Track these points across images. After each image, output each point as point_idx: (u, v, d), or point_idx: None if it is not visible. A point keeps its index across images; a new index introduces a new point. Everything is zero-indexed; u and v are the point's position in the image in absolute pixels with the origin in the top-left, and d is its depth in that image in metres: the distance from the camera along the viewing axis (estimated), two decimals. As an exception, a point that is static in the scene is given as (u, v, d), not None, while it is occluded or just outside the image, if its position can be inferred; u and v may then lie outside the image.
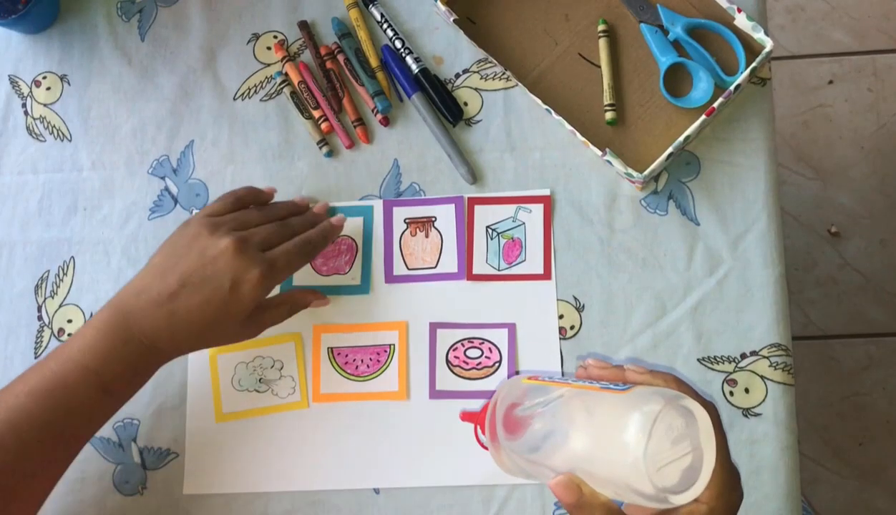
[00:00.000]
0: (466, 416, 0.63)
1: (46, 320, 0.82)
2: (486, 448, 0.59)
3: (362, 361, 0.78)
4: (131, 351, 0.66)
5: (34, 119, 0.87)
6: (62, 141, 0.86)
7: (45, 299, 0.82)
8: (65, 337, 0.81)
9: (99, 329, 0.66)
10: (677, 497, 0.47)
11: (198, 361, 0.79)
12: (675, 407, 0.48)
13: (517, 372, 0.76)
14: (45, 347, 0.81)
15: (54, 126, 0.87)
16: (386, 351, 0.78)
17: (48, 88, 0.88)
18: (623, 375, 0.55)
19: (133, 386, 0.69)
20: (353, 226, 0.81)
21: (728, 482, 0.51)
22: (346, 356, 0.78)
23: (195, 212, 0.82)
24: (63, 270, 0.83)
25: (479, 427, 0.61)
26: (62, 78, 0.88)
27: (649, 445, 0.46)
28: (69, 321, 0.82)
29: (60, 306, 0.82)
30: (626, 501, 0.51)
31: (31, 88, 0.88)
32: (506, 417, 0.57)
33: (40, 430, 0.64)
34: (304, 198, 0.80)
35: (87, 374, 0.65)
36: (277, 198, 0.81)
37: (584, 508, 0.50)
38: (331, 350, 0.78)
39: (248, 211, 0.74)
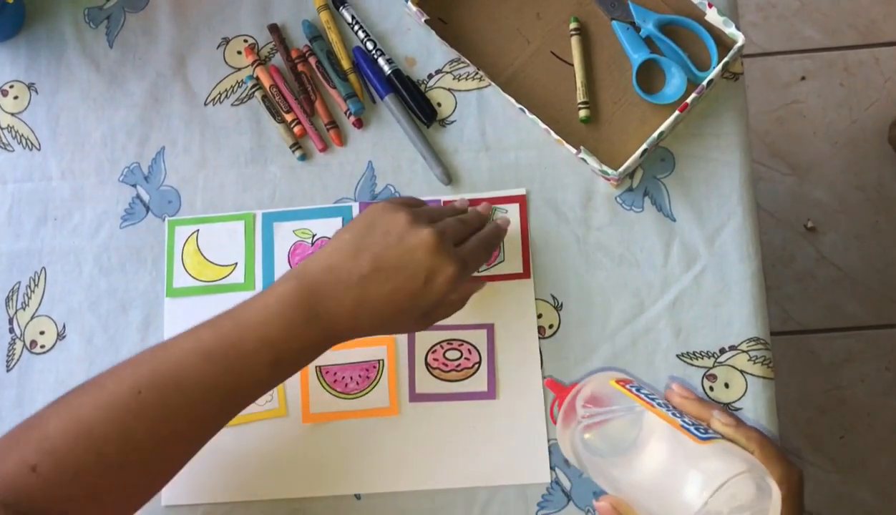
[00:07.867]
0: (551, 384, 0.63)
1: (18, 332, 0.80)
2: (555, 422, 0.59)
3: (351, 378, 0.77)
4: (311, 333, 0.63)
5: (1, 128, 0.85)
6: (31, 150, 0.85)
7: (17, 311, 0.81)
8: (38, 350, 0.80)
9: (283, 302, 0.62)
10: None
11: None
12: (750, 477, 0.47)
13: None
14: (18, 360, 0.80)
15: (22, 135, 0.85)
16: (375, 368, 0.77)
17: (15, 97, 0.86)
18: (708, 418, 0.55)
19: (300, 365, 0.65)
20: (333, 226, 0.80)
21: None
22: (335, 374, 0.77)
23: (167, 219, 0.81)
24: (34, 281, 0.81)
25: (558, 402, 0.59)
26: (29, 86, 0.86)
27: (705, 508, 0.45)
28: (41, 332, 0.80)
29: (32, 318, 0.81)
30: None
31: (-3, 98, 0.87)
32: (584, 406, 0.57)
33: (206, 392, 0.61)
34: (464, 200, 0.77)
35: (263, 346, 0.62)
36: (251, 202, 0.81)
37: None
38: (319, 368, 0.77)
39: (435, 207, 0.72)
